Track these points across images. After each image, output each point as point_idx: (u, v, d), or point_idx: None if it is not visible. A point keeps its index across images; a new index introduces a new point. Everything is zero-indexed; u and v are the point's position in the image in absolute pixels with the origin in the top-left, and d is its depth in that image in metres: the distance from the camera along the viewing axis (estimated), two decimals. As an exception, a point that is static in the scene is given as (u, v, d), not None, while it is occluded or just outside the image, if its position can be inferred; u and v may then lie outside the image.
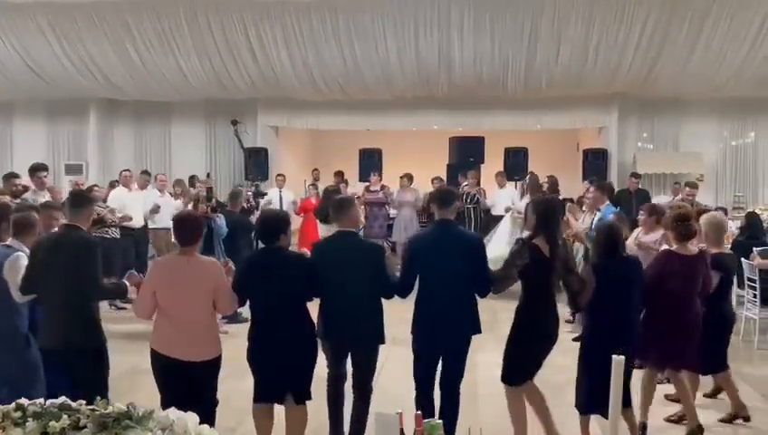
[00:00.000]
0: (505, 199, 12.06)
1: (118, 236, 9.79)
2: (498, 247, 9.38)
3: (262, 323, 4.45)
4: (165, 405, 3.96)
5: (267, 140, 14.84)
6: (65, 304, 4.38)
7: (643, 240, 6.57)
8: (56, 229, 4.88)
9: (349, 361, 4.72)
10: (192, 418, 2.57)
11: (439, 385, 4.59)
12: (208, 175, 14.70)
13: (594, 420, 4.75)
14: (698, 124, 14.42)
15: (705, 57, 12.35)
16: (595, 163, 13.76)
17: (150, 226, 10.70)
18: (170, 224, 10.38)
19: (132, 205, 10.41)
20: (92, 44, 12.97)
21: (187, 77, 13.68)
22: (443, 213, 4.65)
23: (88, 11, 12.36)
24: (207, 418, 3.98)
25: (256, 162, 13.86)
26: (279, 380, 4.41)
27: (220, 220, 8.49)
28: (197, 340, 4.24)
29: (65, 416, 2.51)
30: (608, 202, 8.87)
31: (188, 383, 4.18)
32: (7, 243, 4.77)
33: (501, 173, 12.77)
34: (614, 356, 2.13)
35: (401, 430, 2.45)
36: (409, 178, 12.96)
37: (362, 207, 11.59)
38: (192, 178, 13.15)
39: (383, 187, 12.79)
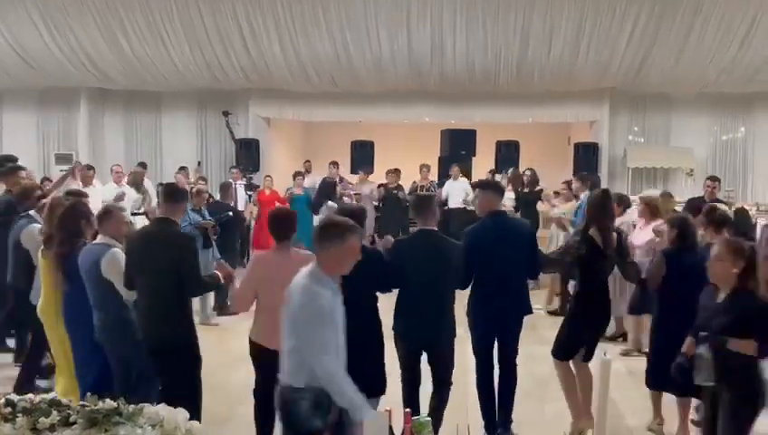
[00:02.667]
0: (459, 192, 12.28)
1: None
2: None
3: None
4: (258, 387, 4.26)
5: (259, 132, 14.79)
6: (163, 302, 4.20)
7: (636, 242, 6.65)
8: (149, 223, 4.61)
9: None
10: (182, 414, 2.58)
11: (499, 362, 4.87)
12: (199, 163, 14.65)
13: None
14: (689, 119, 14.48)
15: (697, 53, 12.39)
16: (586, 157, 13.79)
17: None
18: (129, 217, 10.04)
19: (91, 201, 9.72)
20: (83, 33, 12.87)
21: (177, 67, 13.61)
22: (497, 204, 4.91)
23: None
24: None
25: (248, 154, 13.81)
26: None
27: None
28: None
29: (55, 412, 2.52)
30: (587, 191, 9.17)
31: None
32: (99, 240, 4.53)
33: (456, 166, 12.90)
34: (601, 357, 2.15)
35: (390, 428, 2.47)
36: (366, 171, 13.02)
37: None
38: (183, 169, 13.07)
39: (341, 179, 12.74)
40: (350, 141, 14.49)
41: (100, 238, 4.51)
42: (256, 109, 14.88)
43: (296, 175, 11.92)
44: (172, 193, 4.47)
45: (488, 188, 5.01)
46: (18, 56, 13.53)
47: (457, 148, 14.10)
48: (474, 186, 5.20)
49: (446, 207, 11.99)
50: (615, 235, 4.91)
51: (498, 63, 12.92)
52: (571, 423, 4.94)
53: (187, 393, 4.02)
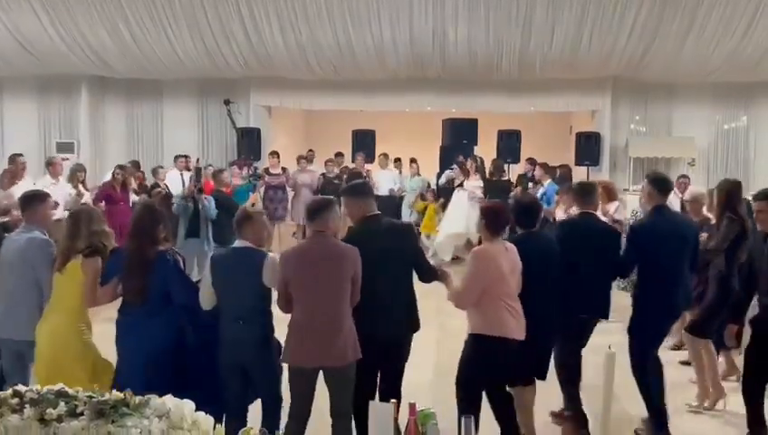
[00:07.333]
0: (387, 181, 12.68)
1: None
2: (456, 225, 10.92)
3: (531, 307, 4.42)
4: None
5: (260, 121, 14.77)
6: (400, 294, 4.31)
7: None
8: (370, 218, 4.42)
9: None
10: (188, 405, 2.59)
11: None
12: (198, 160, 14.58)
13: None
14: (691, 108, 14.45)
15: (699, 42, 12.35)
16: (587, 146, 13.79)
17: None
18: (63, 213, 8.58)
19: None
20: (83, 21, 12.82)
21: (179, 56, 13.57)
22: (663, 199, 4.97)
23: (79, -13, 12.23)
24: None
25: (249, 143, 13.78)
26: (531, 362, 4.57)
27: (209, 202, 8.41)
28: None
29: (62, 403, 2.53)
30: (550, 180, 10.05)
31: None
32: (246, 244, 4.16)
33: (384, 154, 13.21)
34: (606, 351, 2.16)
35: (395, 420, 2.49)
36: (308, 159, 13.01)
37: (261, 190, 11.62)
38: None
39: (284, 169, 12.71)
40: (351, 130, 14.47)
41: (239, 242, 4.18)
42: (257, 97, 14.85)
43: (232, 164, 11.71)
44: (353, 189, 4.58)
45: (653, 183, 5.02)
46: (18, 44, 13.48)
47: (459, 137, 14.09)
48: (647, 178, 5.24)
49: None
50: None
51: (500, 52, 12.88)
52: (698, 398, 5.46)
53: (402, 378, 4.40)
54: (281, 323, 4.13)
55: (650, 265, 4.81)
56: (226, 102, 13.16)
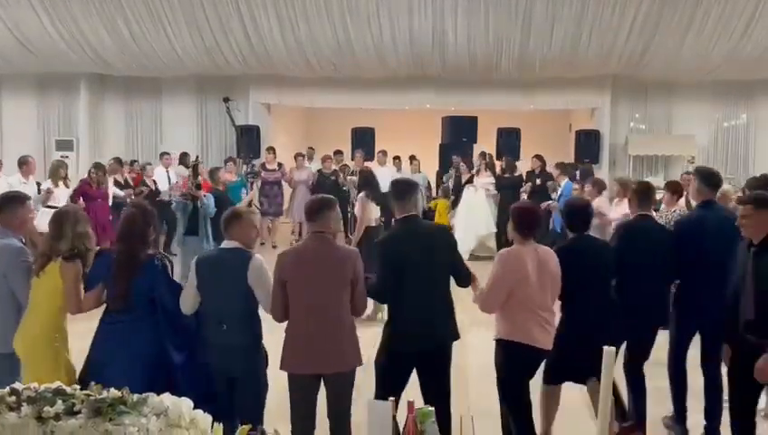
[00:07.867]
0: (386, 178, 12.45)
1: None
2: (481, 225, 11.14)
3: (576, 307, 4.36)
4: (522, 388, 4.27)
5: (259, 118, 14.75)
6: (439, 298, 4.11)
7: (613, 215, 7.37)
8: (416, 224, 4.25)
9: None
10: (186, 403, 2.58)
11: (703, 365, 4.71)
12: (197, 157, 14.57)
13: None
14: (691, 106, 14.45)
15: (699, 40, 12.34)
16: (587, 144, 13.78)
17: None
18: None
19: None
20: (82, 19, 12.80)
21: (178, 53, 13.54)
22: (712, 194, 4.78)
23: (78, -16, 12.21)
24: None
25: (248, 140, 13.75)
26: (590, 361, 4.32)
27: (208, 200, 8.37)
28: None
29: (60, 401, 2.52)
30: (567, 179, 10.11)
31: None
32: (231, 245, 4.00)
33: (382, 152, 13.25)
34: (605, 347, 2.15)
35: (394, 417, 2.48)
36: (308, 156, 12.99)
37: (257, 184, 11.73)
38: (184, 157, 13.04)
39: (280, 165, 12.72)
40: (350, 128, 14.45)
41: (227, 242, 4.02)
42: (257, 95, 14.84)
43: (228, 161, 11.74)
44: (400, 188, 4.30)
45: (701, 178, 4.82)
46: (18, 42, 13.46)
47: (458, 135, 14.08)
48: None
49: None
50: None
51: (500, 50, 12.86)
52: None
53: (447, 388, 4.15)
54: (274, 332, 3.98)
55: (697, 260, 4.57)
56: (226, 100, 13.17)
